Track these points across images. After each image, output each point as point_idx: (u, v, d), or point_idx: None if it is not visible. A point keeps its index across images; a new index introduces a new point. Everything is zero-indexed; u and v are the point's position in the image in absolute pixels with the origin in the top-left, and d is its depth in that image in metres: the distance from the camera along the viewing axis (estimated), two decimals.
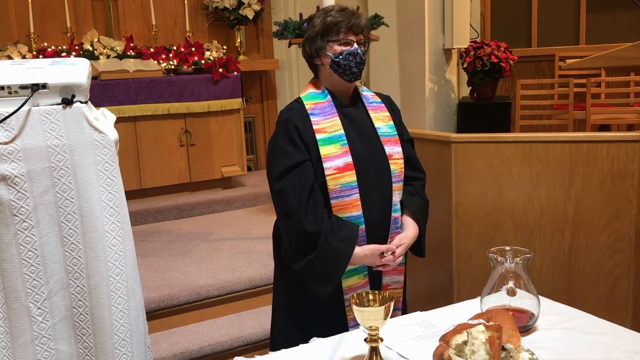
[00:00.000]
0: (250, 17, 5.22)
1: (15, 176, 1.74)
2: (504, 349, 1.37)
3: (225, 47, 5.06)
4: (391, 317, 1.44)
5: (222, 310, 3.09)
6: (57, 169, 1.78)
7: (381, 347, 1.43)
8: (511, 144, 2.45)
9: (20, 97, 1.74)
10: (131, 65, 4.36)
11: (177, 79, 4.46)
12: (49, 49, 4.39)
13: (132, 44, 4.66)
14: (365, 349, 1.43)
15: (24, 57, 4.29)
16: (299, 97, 1.99)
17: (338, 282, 1.90)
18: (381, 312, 1.38)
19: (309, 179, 1.86)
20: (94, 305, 1.84)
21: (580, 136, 2.40)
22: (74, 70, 1.81)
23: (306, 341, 1.64)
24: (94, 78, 4.08)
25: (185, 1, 5.17)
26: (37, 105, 1.77)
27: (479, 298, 1.67)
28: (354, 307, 1.41)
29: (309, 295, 1.91)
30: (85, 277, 1.84)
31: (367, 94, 2.06)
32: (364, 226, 1.89)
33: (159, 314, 2.94)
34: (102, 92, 4.16)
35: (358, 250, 1.87)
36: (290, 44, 4.03)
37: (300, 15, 4.06)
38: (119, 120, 2.15)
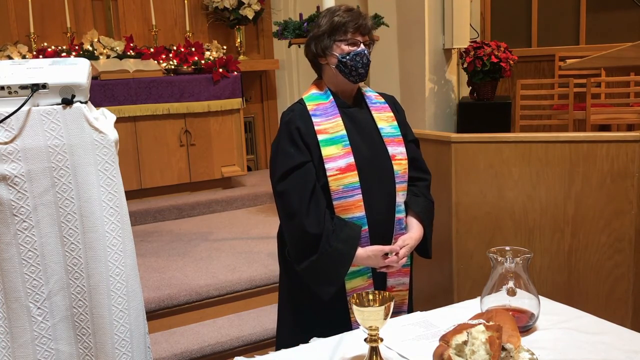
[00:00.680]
0: (250, 17, 5.22)
1: (15, 176, 1.74)
2: (504, 349, 1.37)
3: (225, 47, 5.07)
4: (397, 318, 1.44)
5: (222, 310, 3.09)
6: (57, 169, 1.78)
7: (381, 347, 1.43)
8: (511, 144, 2.45)
9: (20, 97, 1.74)
10: (131, 65, 4.36)
11: (177, 79, 4.46)
12: (49, 49, 4.39)
13: (132, 44, 4.66)
14: (365, 349, 1.43)
15: (24, 57, 4.29)
16: (302, 98, 1.99)
17: (340, 283, 1.89)
18: (381, 312, 1.38)
19: (311, 180, 1.85)
20: (94, 305, 1.84)
21: (580, 136, 2.40)
22: (74, 70, 1.81)
23: (308, 341, 1.64)
24: (94, 78, 4.08)
25: (185, 1, 5.17)
26: (37, 105, 1.77)
27: (479, 298, 1.67)
28: (354, 307, 1.41)
29: (312, 297, 1.90)
30: (85, 277, 1.84)
31: (370, 94, 2.06)
32: (366, 227, 1.88)
33: (159, 314, 2.94)
34: (102, 92, 4.16)
35: (361, 251, 1.87)
36: (290, 44, 4.03)
37: (300, 15, 4.06)
38: (119, 120, 2.15)
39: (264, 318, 3.02)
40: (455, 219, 2.55)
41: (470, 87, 5.02)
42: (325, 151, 1.87)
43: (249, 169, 5.43)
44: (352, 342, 1.58)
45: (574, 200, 2.39)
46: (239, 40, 5.40)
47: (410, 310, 2.08)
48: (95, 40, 4.53)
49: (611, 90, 4.91)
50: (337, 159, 1.87)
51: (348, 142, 1.89)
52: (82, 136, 1.80)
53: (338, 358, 1.52)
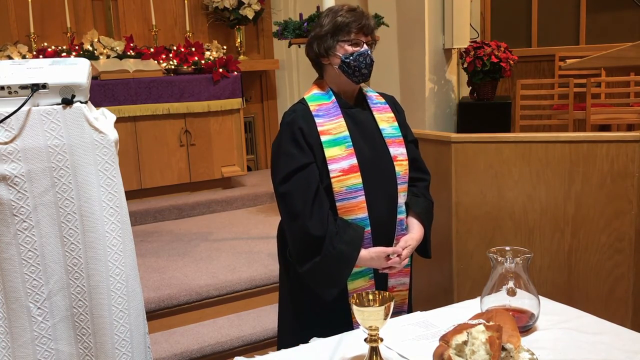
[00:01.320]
0: (250, 17, 5.22)
1: (15, 176, 1.74)
2: (504, 349, 1.37)
3: (225, 47, 5.07)
4: (396, 318, 1.44)
5: (222, 310, 3.08)
6: (57, 169, 1.78)
7: (381, 347, 1.43)
8: (511, 144, 2.45)
9: (20, 97, 1.74)
10: (131, 65, 4.36)
11: (177, 79, 4.46)
12: (49, 49, 4.39)
13: (132, 44, 4.66)
14: (365, 349, 1.43)
15: (24, 57, 4.29)
16: (303, 98, 1.97)
17: (343, 284, 1.89)
18: (381, 312, 1.38)
19: (314, 181, 1.85)
20: (94, 305, 1.84)
21: (580, 136, 2.40)
22: (74, 70, 1.81)
23: (308, 341, 1.64)
24: (94, 78, 4.08)
25: (185, 1, 5.17)
26: (37, 105, 1.77)
27: (479, 298, 1.67)
28: (354, 307, 1.41)
29: (313, 297, 1.90)
30: (85, 277, 1.84)
31: (371, 94, 2.05)
32: (369, 228, 1.88)
33: (159, 314, 2.94)
34: (102, 92, 4.16)
35: (364, 252, 1.86)
36: (290, 44, 4.03)
37: (300, 15, 4.06)
38: (119, 120, 2.15)
39: (264, 318, 3.02)
40: (455, 219, 2.55)
41: (470, 87, 5.02)
42: (329, 152, 1.86)
43: (249, 169, 5.43)
44: (352, 342, 1.58)
45: (574, 200, 2.39)
46: (239, 40, 5.40)
47: (410, 310, 2.08)
48: (95, 40, 4.53)
49: (611, 90, 4.91)
50: (340, 160, 1.86)
51: (351, 143, 1.89)
52: (82, 136, 1.80)
53: (338, 358, 1.52)
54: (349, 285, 1.91)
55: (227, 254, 3.53)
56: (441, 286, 2.66)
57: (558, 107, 4.72)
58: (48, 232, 1.80)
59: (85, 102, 1.82)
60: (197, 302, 3.02)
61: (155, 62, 4.53)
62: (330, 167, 1.85)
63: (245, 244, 3.71)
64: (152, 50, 4.66)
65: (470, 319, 1.44)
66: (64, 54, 4.35)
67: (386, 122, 2.00)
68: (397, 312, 1.90)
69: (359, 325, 1.89)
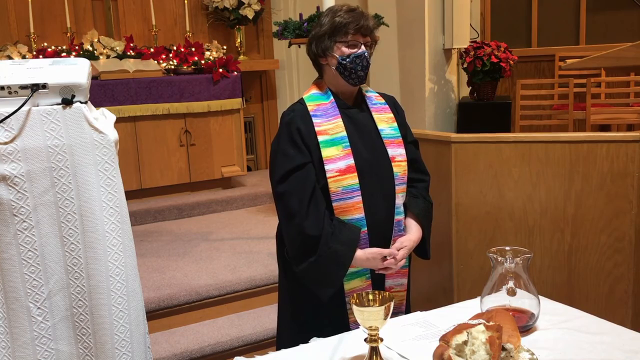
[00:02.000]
0: (250, 17, 5.22)
1: (15, 176, 1.74)
2: (504, 349, 1.37)
3: (225, 47, 5.07)
4: (394, 319, 1.44)
5: (222, 310, 3.09)
6: (57, 169, 1.78)
7: (381, 347, 1.43)
8: (511, 144, 2.45)
9: (20, 97, 1.74)
10: (131, 65, 4.36)
11: (177, 79, 4.46)
12: (49, 49, 4.39)
13: (132, 44, 4.66)
14: (365, 349, 1.43)
15: (24, 57, 4.28)
16: (302, 98, 1.97)
17: (339, 285, 1.89)
18: (381, 312, 1.38)
19: (311, 181, 1.85)
20: (94, 305, 1.84)
21: (580, 136, 2.40)
22: (74, 70, 1.81)
23: (308, 341, 1.64)
24: (94, 78, 4.08)
25: (185, 1, 5.17)
26: (37, 105, 1.77)
27: (479, 298, 1.67)
28: (354, 307, 1.41)
29: (311, 297, 1.90)
30: (85, 277, 1.84)
31: (371, 94, 2.04)
32: (366, 229, 1.88)
33: (159, 314, 2.94)
34: (102, 92, 4.16)
35: (359, 253, 1.86)
36: (290, 44, 4.03)
37: (300, 15, 4.06)
38: (119, 120, 2.15)
39: (264, 318, 3.02)
40: (455, 219, 2.55)
41: (470, 87, 5.02)
42: (326, 152, 1.86)
43: (249, 169, 5.43)
44: (352, 342, 1.58)
45: (574, 200, 2.39)
46: (239, 40, 5.40)
47: (408, 310, 2.08)
48: (95, 40, 4.53)
49: (611, 90, 4.91)
50: (337, 160, 1.86)
51: (348, 144, 1.89)
52: (82, 136, 1.80)
53: (338, 358, 1.53)
54: (345, 285, 1.92)
55: (227, 254, 3.53)
56: (441, 286, 2.66)
57: (558, 107, 4.72)
58: (48, 232, 1.80)
59: (85, 102, 1.82)
60: (197, 302, 3.02)
61: (155, 62, 4.53)
62: (326, 167, 1.86)
63: (245, 244, 3.71)
64: (152, 50, 4.66)
65: (470, 319, 1.44)
66: (64, 54, 4.35)
67: (385, 122, 1.99)
68: (395, 313, 1.90)
69: (356, 325, 1.90)
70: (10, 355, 1.80)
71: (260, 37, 5.68)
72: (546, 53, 5.45)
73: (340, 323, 1.91)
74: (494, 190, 2.48)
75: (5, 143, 1.73)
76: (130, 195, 3.11)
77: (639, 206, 2.33)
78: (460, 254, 2.56)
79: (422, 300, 2.66)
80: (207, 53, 4.70)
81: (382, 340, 1.42)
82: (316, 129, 1.88)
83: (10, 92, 1.75)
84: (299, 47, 4.61)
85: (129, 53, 4.57)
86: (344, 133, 1.89)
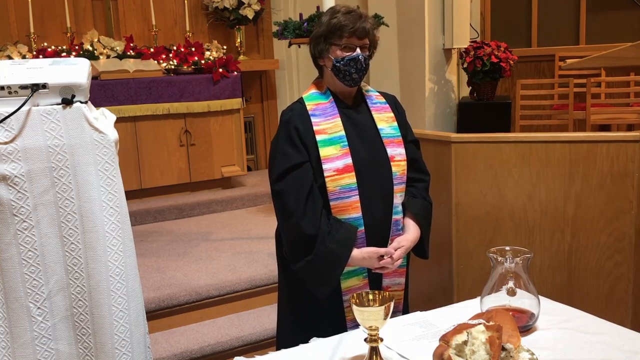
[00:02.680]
0: (250, 17, 5.22)
1: (15, 176, 1.74)
2: (504, 349, 1.37)
3: (225, 47, 5.07)
4: (391, 318, 1.44)
5: (222, 310, 3.09)
6: (57, 169, 1.78)
7: (381, 347, 1.43)
8: (511, 144, 2.45)
9: (20, 97, 1.74)
10: (131, 65, 4.36)
11: (177, 79, 4.46)
12: (49, 49, 4.39)
13: (132, 44, 4.66)
14: (365, 349, 1.43)
15: (24, 57, 4.29)
16: (301, 98, 1.98)
17: (335, 283, 1.90)
18: (381, 312, 1.38)
19: (308, 180, 1.86)
20: (94, 305, 1.84)
21: (580, 136, 2.40)
22: (74, 70, 1.81)
23: (307, 341, 1.64)
24: (94, 78, 4.08)
25: (185, 1, 5.17)
26: (37, 105, 1.77)
27: (479, 298, 1.67)
28: (354, 307, 1.41)
29: (309, 296, 1.91)
30: (85, 277, 1.84)
31: (371, 94, 2.04)
32: (363, 228, 1.88)
33: (159, 314, 2.94)
34: (102, 92, 4.16)
35: (356, 252, 1.87)
36: (290, 44, 4.03)
37: (300, 15, 4.06)
38: (119, 120, 2.15)
39: (264, 318, 3.02)
40: (455, 219, 2.55)
41: (470, 87, 5.02)
42: (323, 152, 1.87)
43: (249, 169, 5.43)
44: (352, 342, 1.58)
45: (574, 200, 2.39)
46: (239, 40, 5.40)
47: (405, 310, 2.08)
48: (95, 40, 4.53)
49: (611, 90, 4.91)
50: (335, 159, 1.87)
51: (346, 143, 1.89)
52: (82, 136, 1.80)
53: (338, 358, 1.53)
54: (342, 284, 1.92)
55: (227, 254, 3.53)
56: (441, 286, 2.66)
57: (558, 107, 4.72)
58: (48, 232, 1.80)
59: (85, 102, 1.83)
60: (197, 302, 3.02)
61: (155, 62, 4.53)
62: (324, 166, 1.86)
63: (245, 244, 3.71)
64: (152, 50, 4.66)
65: (470, 319, 1.44)
66: (64, 54, 4.35)
67: (385, 122, 1.99)
68: (393, 313, 1.90)
69: (353, 324, 1.90)
70: (10, 355, 1.80)
71: (260, 37, 5.68)
72: (546, 53, 5.45)
73: (338, 322, 1.92)
74: (494, 190, 2.48)
75: (5, 143, 1.73)
76: (130, 195, 3.11)
77: (639, 206, 2.33)
78: (460, 254, 2.56)
79: (422, 300, 2.66)
80: (207, 53, 4.70)
81: (382, 340, 1.42)
82: (314, 128, 1.89)
83: (10, 92, 1.75)
84: (299, 47, 4.61)
85: (129, 53, 4.57)
86: (342, 132, 1.90)
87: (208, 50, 4.78)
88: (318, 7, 3.85)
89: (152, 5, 4.93)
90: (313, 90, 1.98)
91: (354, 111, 1.97)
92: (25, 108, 1.74)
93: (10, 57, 4.20)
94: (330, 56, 1.90)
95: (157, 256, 3.56)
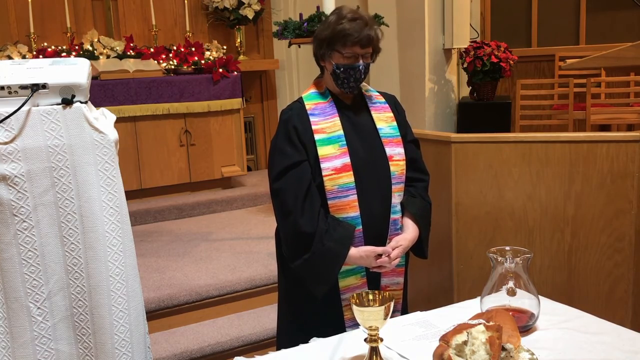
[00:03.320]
0: (250, 17, 5.22)
1: (15, 176, 1.74)
2: (504, 349, 1.37)
3: (225, 47, 5.07)
4: (390, 318, 1.44)
5: (222, 310, 3.09)
6: (57, 169, 1.78)
7: (381, 347, 1.43)
8: (511, 144, 2.45)
9: (20, 97, 1.74)
10: (131, 65, 4.36)
11: (177, 79, 4.46)
12: (49, 49, 4.39)
13: (132, 44, 4.66)
14: (365, 349, 1.43)
15: (24, 57, 4.29)
16: (301, 97, 1.99)
17: (333, 282, 1.90)
18: (381, 312, 1.38)
19: (307, 179, 1.86)
20: (94, 305, 1.84)
21: (580, 136, 2.40)
22: (74, 70, 1.81)
23: (307, 341, 1.64)
24: (94, 78, 4.08)
25: (185, 1, 5.17)
26: (37, 105, 1.77)
27: (479, 298, 1.67)
28: (354, 307, 1.41)
29: (307, 295, 1.92)
30: (85, 277, 1.84)
31: (371, 94, 2.05)
32: (360, 227, 1.89)
33: (159, 314, 2.94)
34: (102, 92, 4.17)
35: (353, 251, 1.87)
36: (290, 44, 4.03)
37: (300, 15, 4.06)
38: (119, 120, 2.15)
39: (264, 318, 3.02)
40: (455, 219, 2.55)
41: (470, 87, 5.02)
42: (322, 151, 1.87)
43: (249, 169, 5.43)
44: (352, 342, 1.58)
45: (574, 200, 2.39)
46: (239, 40, 5.40)
47: (404, 309, 2.09)
48: (95, 40, 4.53)
49: (611, 90, 4.91)
50: (333, 158, 1.87)
51: (345, 142, 1.89)
52: (82, 136, 1.80)
53: (338, 358, 1.53)
54: (340, 282, 1.93)
55: (227, 254, 3.53)
56: (441, 286, 2.66)
57: (558, 107, 4.72)
58: (48, 232, 1.80)
59: (85, 102, 1.83)
60: (197, 302, 3.02)
61: (155, 62, 4.53)
62: (322, 165, 1.87)
63: (245, 244, 3.71)
64: (152, 50, 4.66)
65: (470, 319, 1.44)
66: (64, 54, 4.35)
67: (384, 121, 2.00)
68: (391, 312, 1.91)
69: (351, 322, 1.91)
70: (10, 355, 1.80)
71: (260, 37, 5.68)
72: (546, 53, 5.45)
73: (336, 320, 1.93)
74: (494, 190, 2.48)
75: (5, 143, 1.73)
76: (130, 195, 3.11)
77: (639, 206, 2.33)
78: (460, 254, 2.56)
79: (422, 300, 2.67)
80: (207, 53, 4.70)
81: (382, 340, 1.42)
82: (313, 127, 1.89)
83: (10, 92, 1.75)
84: (299, 47, 4.61)
85: (129, 53, 4.57)
86: (341, 132, 1.90)
87: (208, 50, 4.78)
88: (318, 7, 3.85)
89: (152, 5, 4.93)
90: (313, 90, 1.99)
91: (353, 111, 1.98)
92: (25, 108, 1.74)
93: (10, 57, 4.20)
94: (332, 61, 1.90)
95: (157, 256, 3.56)
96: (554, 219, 2.43)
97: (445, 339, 1.38)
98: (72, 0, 4.76)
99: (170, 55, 4.65)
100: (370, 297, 1.46)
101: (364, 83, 2.02)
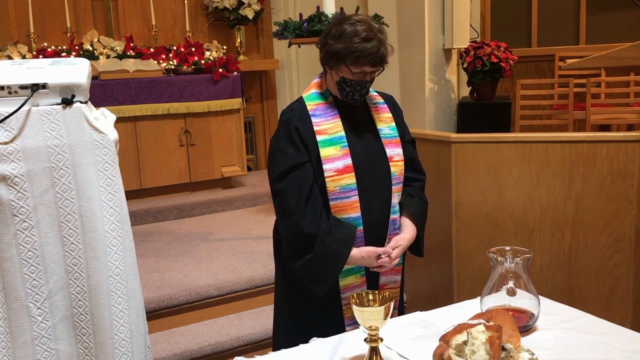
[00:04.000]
0: (250, 17, 5.22)
1: (15, 176, 1.74)
2: (504, 349, 1.37)
3: (225, 47, 5.06)
4: (390, 318, 1.44)
5: (222, 310, 3.09)
6: (57, 169, 1.78)
7: (381, 347, 1.43)
8: (511, 144, 2.45)
9: (20, 97, 1.74)
10: (131, 65, 4.36)
11: (177, 79, 4.46)
12: (49, 49, 4.39)
13: (132, 44, 4.66)
14: (365, 349, 1.43)
15: (24, 57, 4.28)
16: (301, 97, 1.98)
17: (334, 282, 1.91)
18: (381, 312, 1.38)
19: (309, 180, 1.86)
20: (94, 305, 1.84)
21: (580, 136, 2.40)
22: (74, 70, 1.81)
23: (306, 340, 1.64)
24: (94, 78, 4.08)
25: (185, 1, 5.17)
26: (37, 105, 1.77)
27: (479, 298, 1.67)
28: (354, 307, 1.41)
29: (306, 294, 1.92)
30: (85, 277, 1.84)
31: (371, 94, 2.05)
32: (362, 227, 1.89)
33: (159, 314, 2.94)
34: (102, 92, 4.16)
35: (355, 251, 1.88)
36: (290, 44, 4.03)
37: (300, 15, 4.05)
38: (119, 120, 2.15)
39: (263, 318, 3.02)
40: (455, 219, 2.55)
41: (470, 87, 5.02)
42: (324, 152, 1.87)
43: (249, 169, 5.43)
44: (352, 342, 1.58)
45: (574, 201, 2.39)
46: (239, 40, 5.39)
47: (401, 307, 2.10)
48: (95, 40, 4.53)
49: (611, 90, 4.91)
50: (335, 160, 1.87)
51: (346, 144, 1.89)
52: (82, 136, 1.80)
53: (338, 358, 1.53)
54: (340, 281, 1.93)
55: (227, 254, 3.53)
56: (441, 286, 2.66)
57: (558, 107, 4.72)
58: (48, 232, 1.80)
59: (85, 102, 1.82)
60: (197, 302, 3.02)
61: (155, 62, 4.53)
62: (324, 166, 1.87)
63: (245, 244, 3.71)
64: (152, 50, 4.66)
65: (470, 319, 1.44)
66: (64, 54, 4.35)
67: (384, 122, 2.00)
68: None
69: (351, 322, 1.91)
70: (10, 355, 1.80)
71: (260, 37, 5.68)
72: (546, 53, 5.45)
73: (336, 319, 1.93)
74: (494, 190, 2.48)
75: (5, 143, 1.73)
76: (130, 195, 3.11)
77: (639, 206, 2.33)
78: (460, 254, 2.56)
79: (422, 300, 2.67)
80: (207, 53, 4.70)
81: (382, 340, 1.42)
82: (315, 128, 1.89)
83: (10, 92, 1.75)
84: (299, 47, 4.61)
85: (129, 53, 4.57)
86: (342, 133, 1.90)
87: (208, 50, 4.78)
88: (318, 7, 3.85)
89: (152, 5, 4.93)
90: (313, 90, 1.98)
91: (353, 111, 1.98)
92: (25, 108, 1.74)
93: (10, 57, 4.20)
94: (339, 73, 1.88)
95: (157, 256, 3.56)
96: (554, 219, 2.43)
97: (445, 339, 1.38)
98: (72, 0, 4.76)
99: (170, 55, 4.65)
100: (370, 297, 1.46)
101: None
